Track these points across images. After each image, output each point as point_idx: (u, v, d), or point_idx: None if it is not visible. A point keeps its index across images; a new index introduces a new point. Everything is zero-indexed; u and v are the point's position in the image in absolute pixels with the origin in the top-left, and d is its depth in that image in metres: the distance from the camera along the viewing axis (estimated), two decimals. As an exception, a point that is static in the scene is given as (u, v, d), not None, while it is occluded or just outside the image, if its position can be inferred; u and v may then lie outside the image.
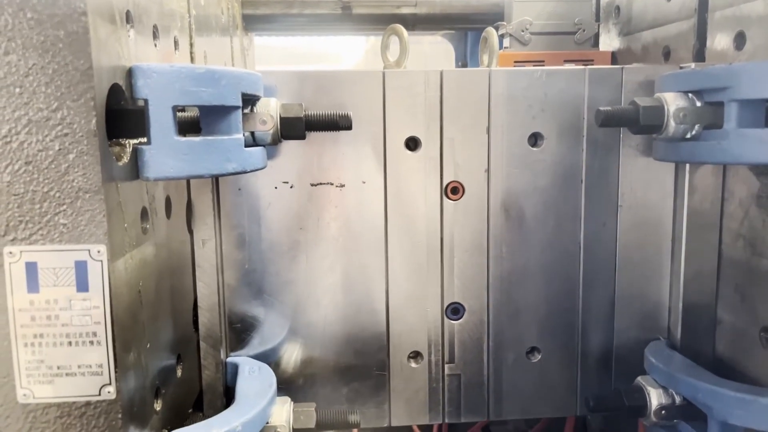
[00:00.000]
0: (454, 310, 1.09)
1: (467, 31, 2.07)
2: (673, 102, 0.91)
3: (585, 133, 1.05)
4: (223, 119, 0.79)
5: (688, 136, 0.91)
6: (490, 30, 1.13)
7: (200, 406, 1.02)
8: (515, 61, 1.38)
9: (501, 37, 1.46)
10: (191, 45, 1.03)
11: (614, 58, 1.42)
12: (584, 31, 1.42)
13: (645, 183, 1.07)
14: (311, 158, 1.03)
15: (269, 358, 1.07)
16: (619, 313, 1.11)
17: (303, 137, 0.91)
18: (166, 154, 0.73)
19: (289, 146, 1.01)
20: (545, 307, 1.10)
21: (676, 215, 1.08)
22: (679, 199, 1.07)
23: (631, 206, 1.08)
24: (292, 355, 1.08)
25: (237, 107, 0.80)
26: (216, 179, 1.01)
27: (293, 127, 0.89)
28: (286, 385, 1.08)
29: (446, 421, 1.12)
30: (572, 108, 1.05)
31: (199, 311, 1.02)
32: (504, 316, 1.09)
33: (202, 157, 0.76)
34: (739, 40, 1.01)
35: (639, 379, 1.04)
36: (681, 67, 1.02)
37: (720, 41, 1.06)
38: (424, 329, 1.09)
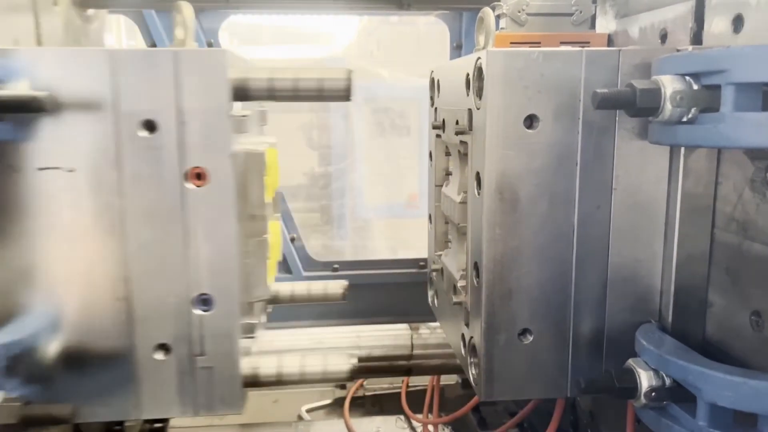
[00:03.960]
0: (447, 292, 1.09)
1: (462, 11, 2.06)
2: (669, 85, 0.90)
3: (581, 115, 1.05)
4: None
5: (685, 119, 0.90)
6: (487, 10, 1.11)
7: None
8: (511, 42, 1.37)
9: (497, 17, 1.44)
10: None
11: (611, 40, 1.41)
12: (581, 12, 1.41)
13: (639, 166, 1.07)
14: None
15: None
16: (611, 296, 1.11)
17: None
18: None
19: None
20: (537, 289, 1.10)
21: (669, 198, 1.08)
22: (674, 182, 1.07)
23: (625, 189, 1.08)
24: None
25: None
26: None
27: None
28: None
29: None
30: (568, 90, 1.04)
31: None
32: (496, 298, 1.09)
33: None
34: (737, 23, 1.00)
35: (630, 361, 1.04)
36: (678, 50, 1.01)
37: (718, 24, 1.05)
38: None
